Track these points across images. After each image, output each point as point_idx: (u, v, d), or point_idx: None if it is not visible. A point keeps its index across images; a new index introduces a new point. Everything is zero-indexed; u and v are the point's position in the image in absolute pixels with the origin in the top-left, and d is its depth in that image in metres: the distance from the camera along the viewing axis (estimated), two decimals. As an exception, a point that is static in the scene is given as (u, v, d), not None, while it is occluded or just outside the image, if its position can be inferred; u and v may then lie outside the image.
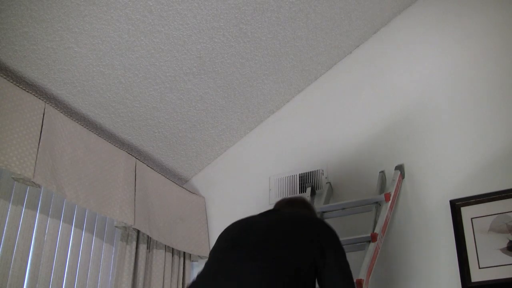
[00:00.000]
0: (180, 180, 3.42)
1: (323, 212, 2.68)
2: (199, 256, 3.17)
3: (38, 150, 2.34)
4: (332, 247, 1.80)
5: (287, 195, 2.96)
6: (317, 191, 2.90)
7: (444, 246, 2.48)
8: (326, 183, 2.88)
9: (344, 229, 2.33)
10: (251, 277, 1.65)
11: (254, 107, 3.20)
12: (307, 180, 2.99)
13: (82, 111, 2.77)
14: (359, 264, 2.24)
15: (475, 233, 2.43)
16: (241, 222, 1.94)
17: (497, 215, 2.41)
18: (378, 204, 2.57)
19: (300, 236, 1.78)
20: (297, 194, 2.94)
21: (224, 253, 1.81)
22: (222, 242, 1.88)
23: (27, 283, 2.33)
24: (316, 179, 2.96)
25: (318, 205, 2.69)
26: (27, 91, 2.40)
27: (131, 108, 2.86)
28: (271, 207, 2.15)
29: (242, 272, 1.67)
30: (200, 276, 1.78)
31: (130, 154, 2.91)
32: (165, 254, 2.98)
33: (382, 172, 2.74)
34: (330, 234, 1.85)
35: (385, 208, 2.48)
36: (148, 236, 2.88)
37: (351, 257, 2.41)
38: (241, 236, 1.83)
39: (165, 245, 2.98)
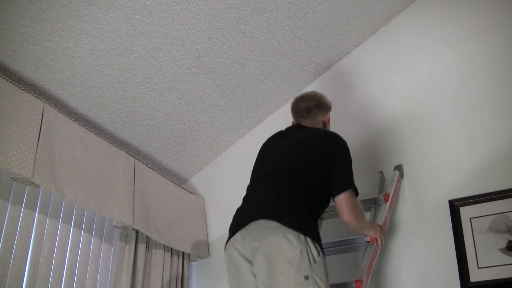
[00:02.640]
0: (179, 180, 3.41)
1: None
2: (198, 256, 3.17)
3: (37, 150, 2.34)
4: (339, 156, 2.12)
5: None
6: (316, 191, 2.90)
7: (443, 246, 2.49)
8: (325, 183, 2.88)
9: (344, 229, 2.32)
10: (274, 193, 2.05)
11: (253, 107, 3.20)
12: (306, 180, 2.97)
13: (81, 111, 2.77)
14: (359, 265, 2.24)
15: (474, 233, 2.43)
16: (267, 146, 2.33)
17: (496, 215, 2.42)
18: (377, 204, 2.57)
19: (317, 155, 2.11)
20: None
21: (256, 179, 2.24)
22: (255, 167, 2.30)
23: (26, 283, 2.33)
24: (315, 179, 2.95)
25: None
26: (26, 91, 2.40)
27: (130, 108, 2.86)
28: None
29: (267, 193, 2.08)
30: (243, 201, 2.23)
31: (129, 154, 2.91)
32: (164, 254, 2.98)
33: (381, 172, 2.74)
34: (340, 148, 2.16)
35: (384, 208, 2.48)
36: (147, 236, 2.88)
37: (351, 258, 2.41)
38: (267, 163, 2.24)
39: (164, 245, 2.98)
